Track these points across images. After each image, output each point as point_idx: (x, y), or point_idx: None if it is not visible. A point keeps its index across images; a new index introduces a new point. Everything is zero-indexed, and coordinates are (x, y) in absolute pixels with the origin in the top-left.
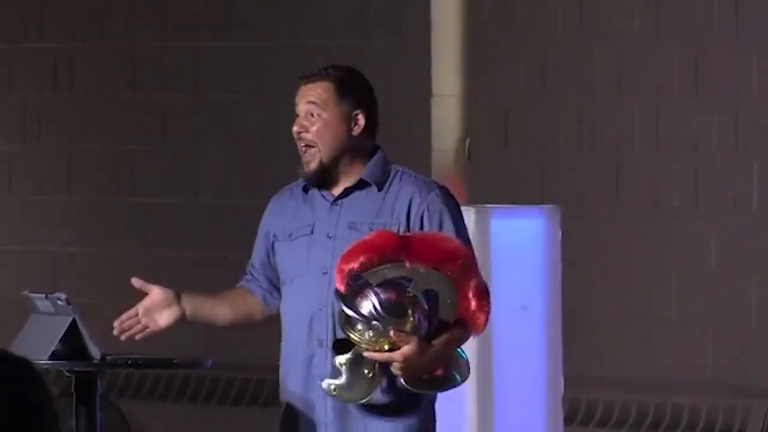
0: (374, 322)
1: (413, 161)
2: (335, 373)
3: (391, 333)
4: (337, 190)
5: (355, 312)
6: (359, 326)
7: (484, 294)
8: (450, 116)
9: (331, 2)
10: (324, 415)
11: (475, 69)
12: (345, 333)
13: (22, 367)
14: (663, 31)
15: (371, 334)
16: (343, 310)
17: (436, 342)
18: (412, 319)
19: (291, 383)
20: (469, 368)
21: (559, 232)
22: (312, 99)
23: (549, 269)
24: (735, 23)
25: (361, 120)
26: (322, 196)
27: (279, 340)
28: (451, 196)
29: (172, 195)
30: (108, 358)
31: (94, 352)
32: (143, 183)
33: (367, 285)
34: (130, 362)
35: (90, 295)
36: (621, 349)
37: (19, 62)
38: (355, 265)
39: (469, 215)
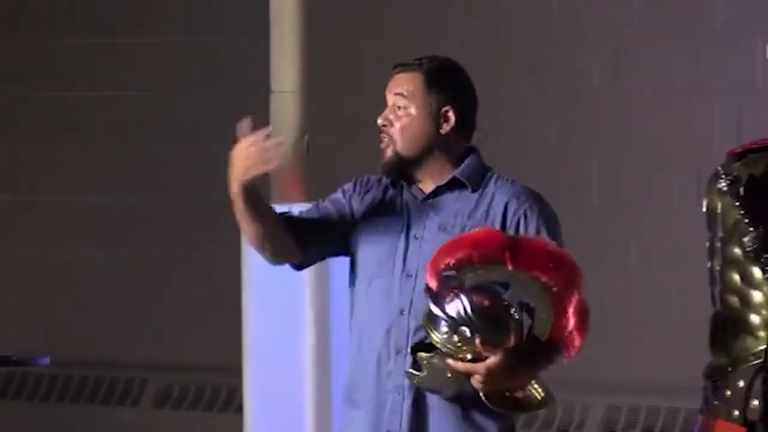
0: (461, 327)
1: None
2: (418, 367)
3: (477, 342)
4: (428, 187)
5: (442, 312)
6: (444, 328)
7: (584, 315)
8: (289, 112)
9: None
10: (398, 426)
11: (314, 65)
12: (427, 333)
13: None
14: (501, 24)
15: (456, 339)
16: (429, 308)
17: (524, 359)
18: (501, 329)
19: (361, 391)
20: (551, 396)
21: None
22: (399, 91)
23: None
24: (572, 17)
25: (452, 117)
26: (411, 192)
27: (118, 337)
28: (549, 206)
29: (12, 193)
30: None
31: None
32: None
33: (460, 285)
34: None
35: None
36: None
37: None
38: (451, 260)
39: None
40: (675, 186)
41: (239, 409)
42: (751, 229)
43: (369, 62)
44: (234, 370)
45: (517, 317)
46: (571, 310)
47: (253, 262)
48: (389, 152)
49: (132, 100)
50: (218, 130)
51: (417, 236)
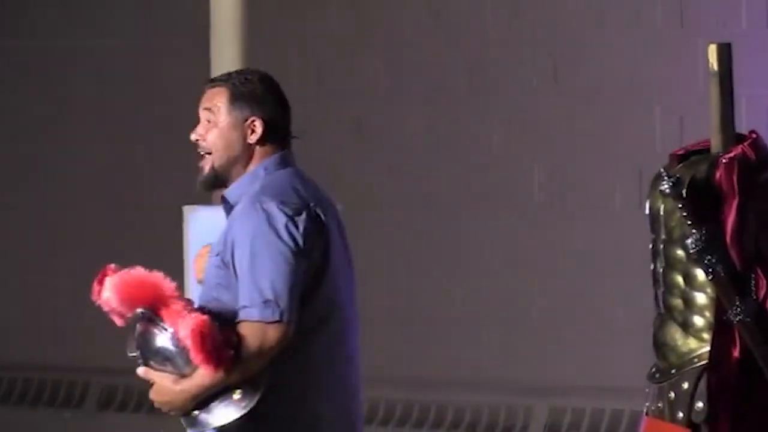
0: (134, 354)
1: None
2: None
3: (139, 370)
4: None
5: (134, 341)
6: (131, 354)
7: (187, 335)
8: None
9: (112, 2)
10: None
11: (254, 65)
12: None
13: None
14: (442, 29)
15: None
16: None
17: (183, 381)
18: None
19: None
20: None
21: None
22: (207, 105)
23: None
24: (515, 19)
25: (258, 127)
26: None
27: (61, 340)
28: (264, 220)
29: None
30: None
31: None
32: None
33: (142, 318)
34: None
35: None
36: (400, 347)
37: None
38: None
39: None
40: (617, 187)
41: None
42: (694, 231)
43: (309, 62)
44: None
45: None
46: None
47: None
48: (207, 167)
49: (75, 100)
50: (156, 131)
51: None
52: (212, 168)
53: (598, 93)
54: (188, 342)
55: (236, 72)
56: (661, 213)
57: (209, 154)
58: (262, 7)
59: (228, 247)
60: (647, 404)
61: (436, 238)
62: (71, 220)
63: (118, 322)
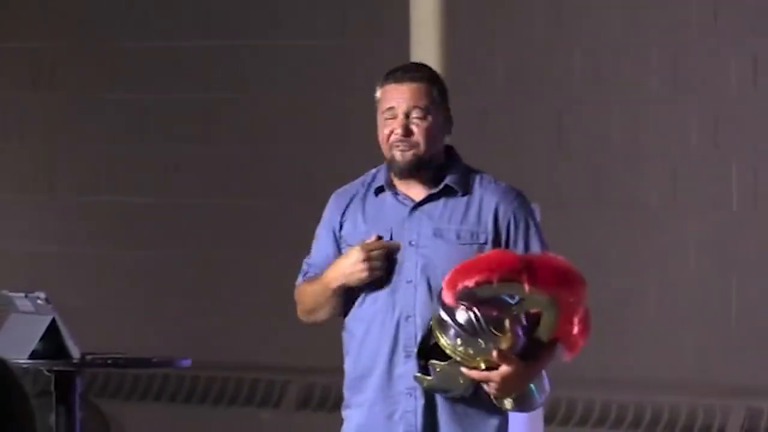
0: (477, 339)
1: None
2: (427, 371)
3: (494, 354)
4: (416, 194)
5: (455, 323)
6: (457, 339)
7: (587, 320)
8: None
9: (312, 2)
10: (413, 426)
11: (453, 69)
12: (438, 339)
13: None
14: (640, 28)
15: (471, 351)
16: (441, 317)
17: (531, 362)
18: (510, 335)
19: (366, 393)
20: (547, 385)
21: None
22: (419, 104)
23: None
24: (714, 20)
25: (451, 121)
26: (398, 200)
27: (259, 340)
28: (529, 202)
29: (151, 195)
30: (87, 357)
31: (74, 351)
32: (123, 183)
33: (472, 299)
34: (109, 361)
35: (69, 295)
36: (600, 348)
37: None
38: (470, 282)
39: None
40: None
41: None
42: None
43: (508, 65)
44: None
45: (523, 324)
46: (576, 320)
47: None
48: (411, 155)
49: (268, 102)
50: (355, 133)
51: (413, 243)
52: (419, 157)
53: None
54: (579, 327)
55: (427, 67)
56: None
57: (414, 146)
58: (458, 8)
59: (489, 231)
60: None
61: (632, 238)
62: (268, 219)
63: (451, 299)
